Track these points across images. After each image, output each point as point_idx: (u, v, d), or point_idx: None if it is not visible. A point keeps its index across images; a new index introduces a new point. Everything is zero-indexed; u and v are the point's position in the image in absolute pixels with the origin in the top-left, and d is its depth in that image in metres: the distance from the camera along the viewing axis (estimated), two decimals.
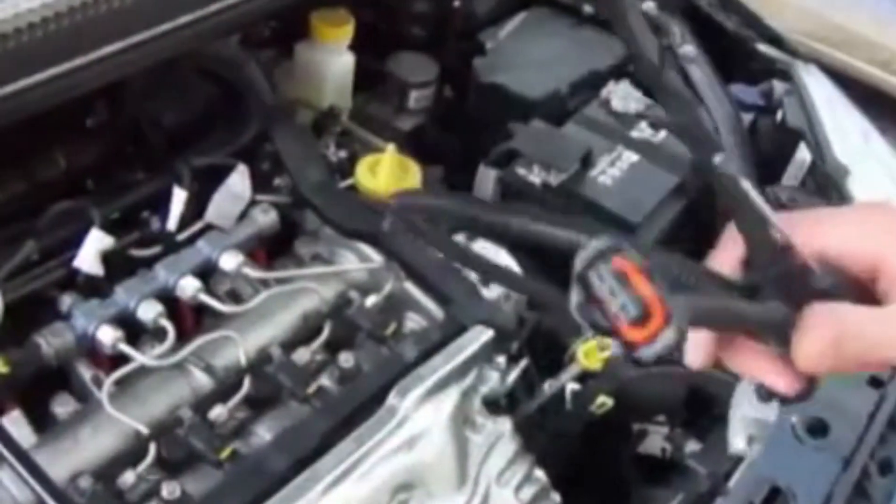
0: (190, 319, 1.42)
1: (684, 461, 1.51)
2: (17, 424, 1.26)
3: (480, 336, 1.37)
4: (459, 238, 1.52)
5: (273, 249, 1.53)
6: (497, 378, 1.39)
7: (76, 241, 1.37)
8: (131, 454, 1.26)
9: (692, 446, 1.55)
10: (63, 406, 1.30)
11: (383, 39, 1.84)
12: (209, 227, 1.46)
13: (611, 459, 1.65)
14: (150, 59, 1.41)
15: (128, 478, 1.23)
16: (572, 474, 1.51)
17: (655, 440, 1.63)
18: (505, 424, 1.37)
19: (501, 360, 1.40)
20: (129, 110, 1.55)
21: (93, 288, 1.37)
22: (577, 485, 1.48)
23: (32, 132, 1.40)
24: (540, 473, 1.38)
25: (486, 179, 1.70)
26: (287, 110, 1.64)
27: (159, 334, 1.33)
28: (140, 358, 1.30)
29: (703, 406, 1.56)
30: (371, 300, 1.43)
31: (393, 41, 1.85)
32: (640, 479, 1.61)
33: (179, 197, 1.43)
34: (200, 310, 1.41)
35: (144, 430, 1.26)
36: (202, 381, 1.33)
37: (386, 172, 1.53)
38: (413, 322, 1.45)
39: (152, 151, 1.56)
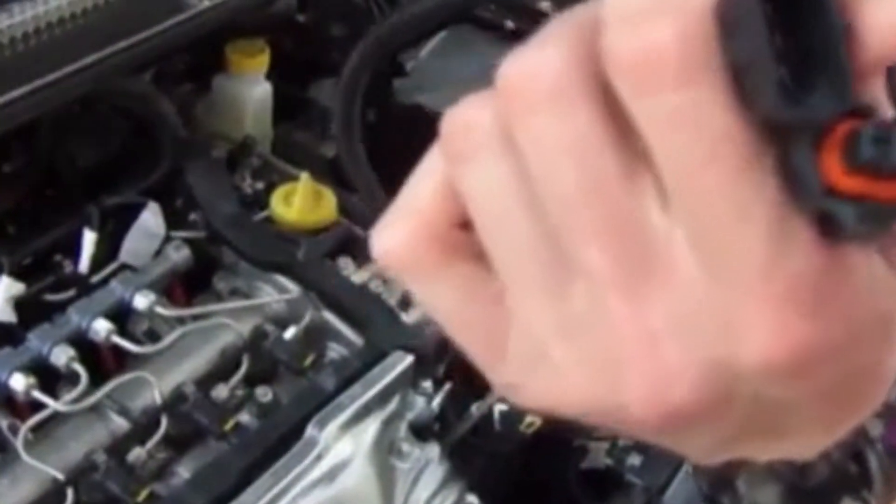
0: (111, 362, 1.40)
1: (625, 476, 1.50)
2: None
3: (400, 362, 1.36)
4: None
5: (194, 285, 1.52)
6: (423, 403, 1.38)
7: None
8: (50, 502, 1.24)
9: (633, 460, 1.53)
10: None
11: (304, 66, 1.83)
12: (124, 267, 1.45)
13: (554, 478, 1.64)
14: (57, 101, 1.41)
15: None
16: (514, 496, 1.50)
17: (598, 456, 1.62)
18: (433, 451, 1.36)
19: (427, 384, 1.39)
20: (45, 153, 1.54)
21: (6, 335, 1.35)
22: None
23: None
24: (472, 498, 1.37)
25: None
26: (202, 144, 1.63)
27: (73, 379, 1.32)
28: (52, 404, 1.29)
29: None
30: (290, 332, 1.42)
31: (314, 67, 1.84)
32: (585, 497, 1.60)
33: (89, 238, 1.42)
34: (121, 352, 1.40)
35: (61, 477, 1.25)
36: (119, 423, 1.32)
37: (300, 201, 1.51)
38: (334, 352, 1.44)
39: (70, 193, 1.55)
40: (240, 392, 1.37)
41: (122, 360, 1.41)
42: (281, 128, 1.77)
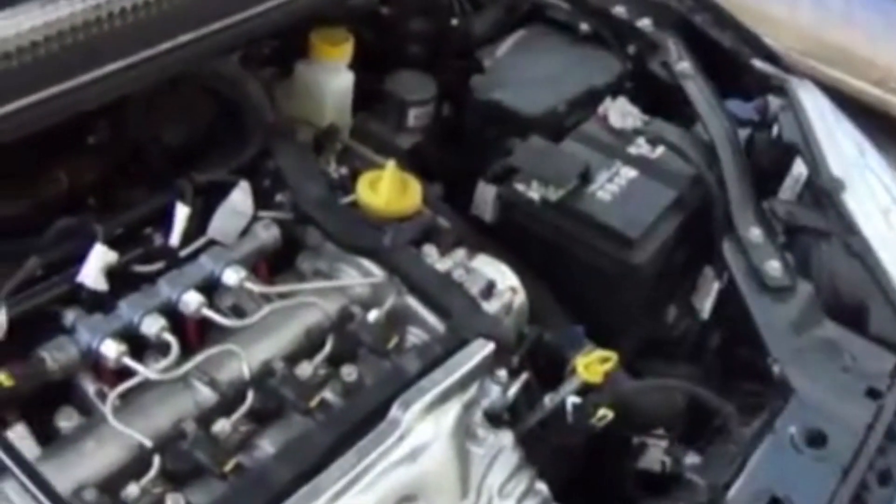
0: (195, 334, 1.42)
1: (684, 474, 1.51)
2: (21, 438, 1.26)
3: (481, 349, 1.39)
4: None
5: (276, 264, 1.54)
6: (498, 391, 1.40)
7: (80, 257, 1.38)
8: (135, 467, 1.27)
9: (692, 459, 1.55)
10: (67, 420, 1.31)
11: (383, 58, 1.85)
12: (212, 243, 1.47)
13: (612, 474, 1.65)
14: (151, 78, 1.43)
15: (131, 490, 1.24)
16: (574, 489, 1.52)
17: (655, 453, 1.64)
18: (506, 437, 1.38)
19: (503, 373, 1.41)
20: (130, 128, 1.56)
21: (96, 303, 1.37)
22: (579, 500, 1.48)
23: (35, 150, 1.41)
24: (542, 486, 1.39)
25: (486, 196, 1.71)
26: (287, 128, 1.65)
27: (163, 348, 1.34)
28: (144, 371, 1.31)
29: (702, 418, 1.57)
30: (373, 315, 1.44)
31: (392, 60, 1.86)
32: (641, 493, 1.62)
33: (182, 213, 1.44)
34: (205, 324, 1.42)
35: (148, 443, 1.27)
36: (206, 394, 1.34)
37: (387, 188, 1.54)
38: (414, 336, 1.46)
39: (153, 169, 1.58)
40: (322, 371, 1.39)
41: (206, 334, 1.43)
42: (357, 117, 1.80)
